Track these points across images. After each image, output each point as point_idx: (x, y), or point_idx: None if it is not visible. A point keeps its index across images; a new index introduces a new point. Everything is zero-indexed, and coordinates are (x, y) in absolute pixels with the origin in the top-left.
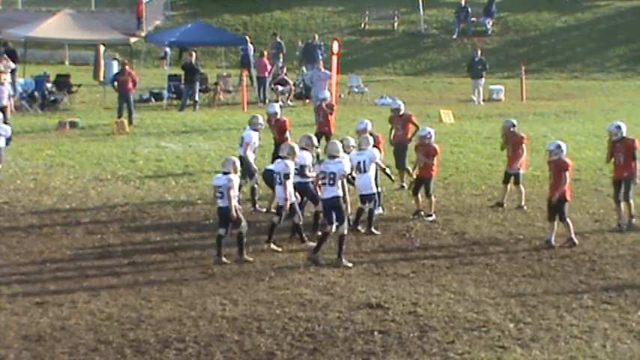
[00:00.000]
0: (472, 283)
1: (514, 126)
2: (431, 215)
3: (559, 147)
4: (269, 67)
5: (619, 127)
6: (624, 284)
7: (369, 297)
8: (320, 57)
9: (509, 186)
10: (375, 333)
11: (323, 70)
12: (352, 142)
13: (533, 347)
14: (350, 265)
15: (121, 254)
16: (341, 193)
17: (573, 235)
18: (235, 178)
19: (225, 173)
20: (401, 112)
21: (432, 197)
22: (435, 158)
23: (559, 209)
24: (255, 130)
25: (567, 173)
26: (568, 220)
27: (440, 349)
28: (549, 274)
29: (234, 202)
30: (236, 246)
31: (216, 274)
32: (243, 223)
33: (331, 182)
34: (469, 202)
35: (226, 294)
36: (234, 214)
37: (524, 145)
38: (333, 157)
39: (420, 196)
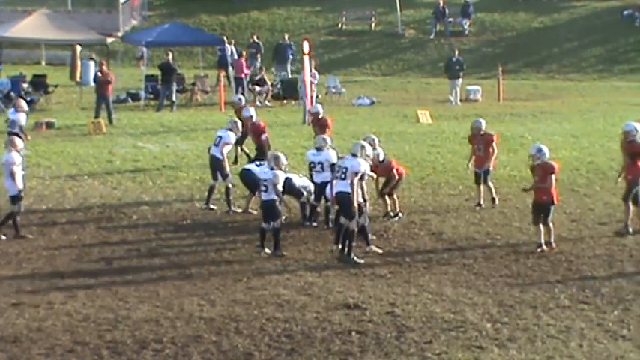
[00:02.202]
0: (450, 284)
1: (482, 126)
2: (397, 215)
3: (540, 150)
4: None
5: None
6: (601, 284)
7: (347, 297)
8: (290, 57)
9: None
10: (353, 333)
11: (313, 71)
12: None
13: (511, 347)
14: (361, 261)
15: (98, 255)
16: (349, 190)
17: (552, 240)
18: (281, 174)
19: (271, 169)
20: (320, 116)
21: (395, 197)
22: (394, 169)
23: (545, 212)
24: (232, 131)
25: (553, 176)
26: (550, 224)
27: (417, 349)
28: (526, 274)
29: (275, 197)
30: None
31: (194, 275)
32: (280, 221)
33: (342, 177)
34: (446, 202)
35: (204, 294)
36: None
37: (494, 144)
38: (353, 155)
39: (387, 197)
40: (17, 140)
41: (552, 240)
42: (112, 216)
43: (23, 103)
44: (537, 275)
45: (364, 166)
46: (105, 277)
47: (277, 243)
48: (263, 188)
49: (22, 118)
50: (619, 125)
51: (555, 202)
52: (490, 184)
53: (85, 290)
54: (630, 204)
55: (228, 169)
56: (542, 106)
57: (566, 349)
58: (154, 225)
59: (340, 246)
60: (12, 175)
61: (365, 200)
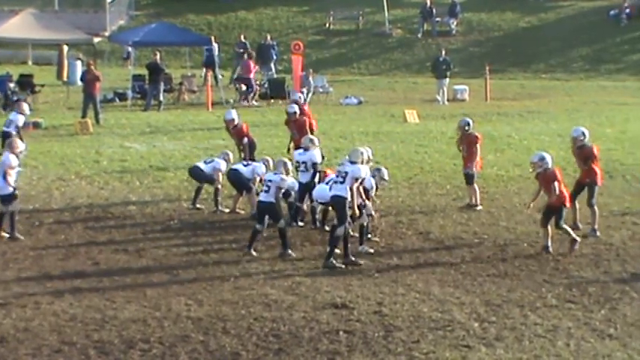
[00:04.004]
0: (437, 283)
1: (469, 125)
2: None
3: (542, 159)
4: (253, 69)
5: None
6: (587, 283)
7: (334, 297)
8: (274, 57)
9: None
10: (340, 333)
11: (309, 79)
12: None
13: (498, 346)
14: (342, 266)
15: (85, 255)
16: (346, 195)
17: (575, 235)
18: (289, 179)
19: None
20: (297, 117)
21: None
22: None
23: (557, 214)
24: (225, 161)
25: (556, 184)
26: (565, 225)
27: (405, 348)
28: (513, 273)
29: (274, 200)
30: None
31: (181, 275)
32: (282, 220)
33: (341, 181)
34: (434, 201)
35: (191, 294)
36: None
37: (478, 145)
38: (352, 162)
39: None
40: (17, 142)
41: (575, 235)
42: (99, 216)
43: (25, 107)
44: (524, 275)
45: (364, 171)
46: (92, 277)
47: (285, 244)
48: (265, 188)
49: (20, 119)
50: (606, 125)
51: (567, 205)
52: (475, 186)
53: (72, 290)
54: (595, 206)
55: (209, 175)
56: (530, 106)
57: (554, 348)
58: (142, 225)
59: (360, 245)
60: (4, 176)
61: (369, 198)
